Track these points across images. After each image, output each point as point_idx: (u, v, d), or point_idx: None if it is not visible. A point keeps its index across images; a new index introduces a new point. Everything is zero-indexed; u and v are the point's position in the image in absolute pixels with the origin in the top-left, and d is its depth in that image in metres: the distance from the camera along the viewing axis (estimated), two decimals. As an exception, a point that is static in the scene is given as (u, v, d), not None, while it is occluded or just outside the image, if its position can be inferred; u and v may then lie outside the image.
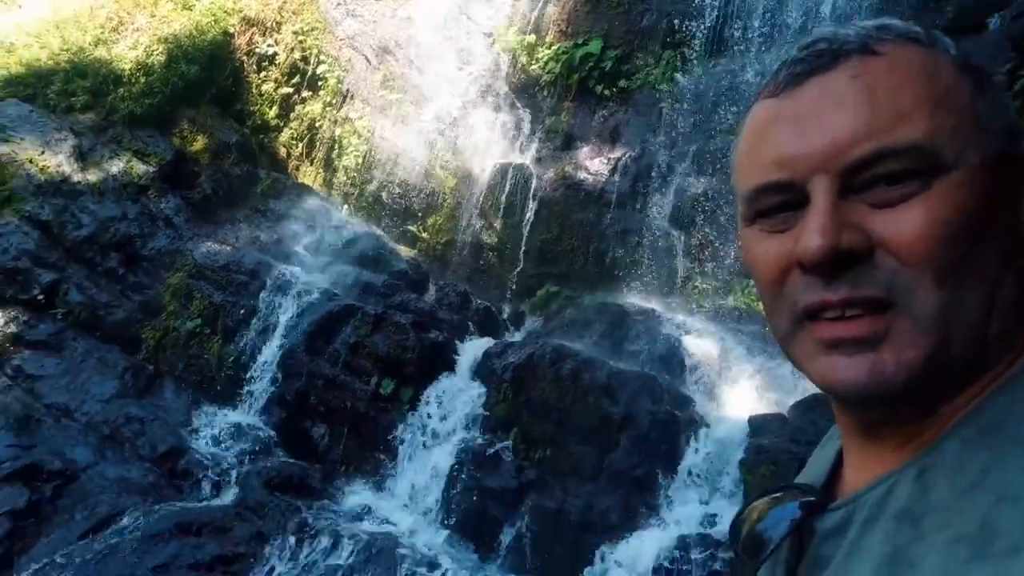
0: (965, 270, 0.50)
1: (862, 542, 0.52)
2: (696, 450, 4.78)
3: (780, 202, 0.55)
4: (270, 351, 5.68)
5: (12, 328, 5.94)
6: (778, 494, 0.62)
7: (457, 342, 5.97)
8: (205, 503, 4.58)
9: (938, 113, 0.51)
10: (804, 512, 0.59)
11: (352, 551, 4.14)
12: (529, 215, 7.10)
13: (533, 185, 7.17)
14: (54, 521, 4.48)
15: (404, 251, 7.41)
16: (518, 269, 7.07)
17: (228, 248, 6.38)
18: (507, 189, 7.27)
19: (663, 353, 5.61)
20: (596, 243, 6.74)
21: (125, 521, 4.31)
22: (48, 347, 5.88)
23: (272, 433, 5.32)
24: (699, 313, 6.05)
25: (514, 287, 7.05)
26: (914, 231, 0.49)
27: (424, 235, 7.64)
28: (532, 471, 5.04)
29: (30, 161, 6.73)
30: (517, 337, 6.47)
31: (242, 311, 5.89)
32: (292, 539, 4.23)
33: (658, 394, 5.15)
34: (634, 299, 6.31)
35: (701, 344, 5.60)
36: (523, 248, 7.06)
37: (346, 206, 7.70)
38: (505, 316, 6.87)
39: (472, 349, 5.89)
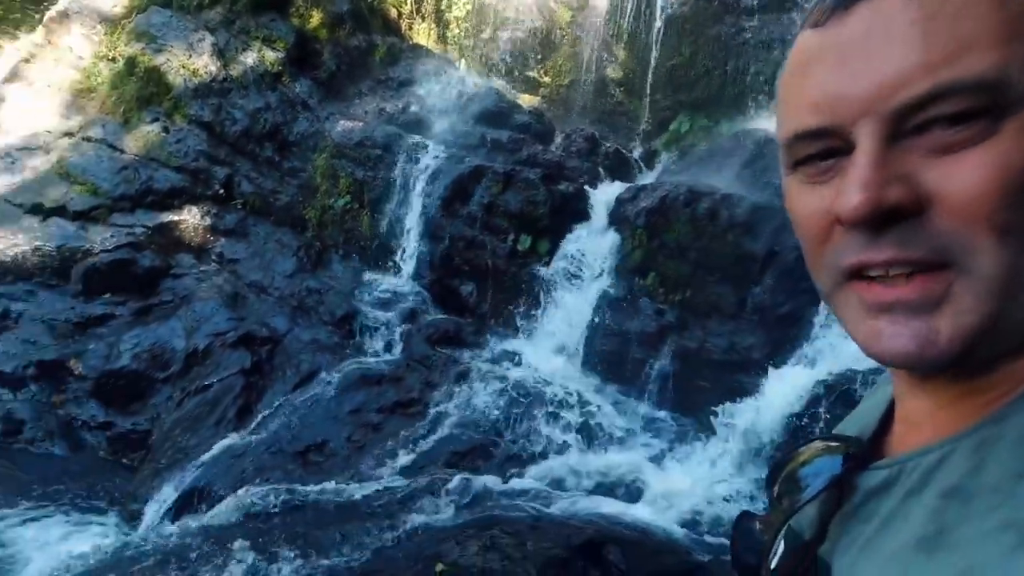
0: None
1: (904, 510, 0.49)
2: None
3: (822, 149, 0.49)
4: (412, 218, 6.08)
5: (208, 221, 6.96)
6: (832, 443, 0.60)
7: (588, 189, 5.90)
8: (381, 358, 5.33)
9: (1010, 40, 0.43)
10: (846, 467, 0.57)
11: (507, 393, 4.65)
12: (656, 37, 6.40)
13: (658, 1, 6.37)
14: (273, 377, 5.53)
15: (526, 99, 7.18)
16: (647, 102, 6.56)
17: (360, 124, 6.66)
18: (629, 10, 6.55)
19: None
20: (735, 60, 5.96)
21: (323, 376, 5.20)
22: (236, 234, 6.85)
23: (426, 293, 5.87)
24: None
25: (645, 123, 6.61)
26: (975, 186, 0.43)
27: (545, 79, 7.29)
28: (671, 313, 5.09)
29: (182, 66, 7.34)
30: (650, 177, 6.20)
31: (382, 184, 6.27)
32: (455, 386, 4.84)
33: (807, 226, 4.77)
34: (780, 121, 5.63)
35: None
36: (651, 77, 6.48)
37: (463, 60, 7.51)
38: (637, 156, 6.55)
39: (604, 196, 5.80)
